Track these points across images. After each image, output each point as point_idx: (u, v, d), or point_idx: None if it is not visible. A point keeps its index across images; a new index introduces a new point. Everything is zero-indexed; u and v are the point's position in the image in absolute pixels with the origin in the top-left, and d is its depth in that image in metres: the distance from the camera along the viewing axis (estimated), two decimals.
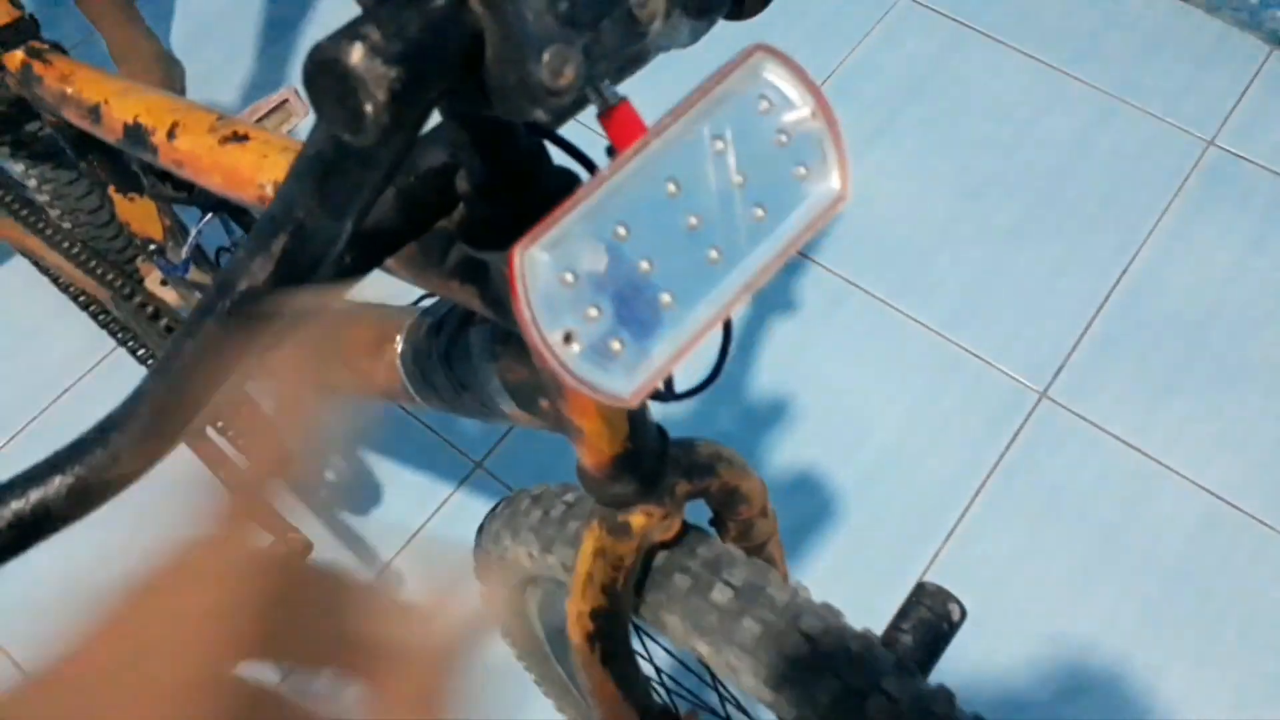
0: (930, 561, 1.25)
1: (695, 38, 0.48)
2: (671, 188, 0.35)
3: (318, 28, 1.72)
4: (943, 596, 0.89)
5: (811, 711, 0.56)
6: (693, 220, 0.36)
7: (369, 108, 0.27)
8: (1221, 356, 1.38)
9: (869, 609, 0.82)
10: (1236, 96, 1.59)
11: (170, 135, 0.65)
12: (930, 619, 0.89)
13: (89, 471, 0.42)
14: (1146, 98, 1.59)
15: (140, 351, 1.09)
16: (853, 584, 1.21)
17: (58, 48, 0.82)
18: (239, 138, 0.62)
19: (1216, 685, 1.17)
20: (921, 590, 0.90)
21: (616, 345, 0.35)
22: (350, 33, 0.27)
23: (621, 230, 0.35)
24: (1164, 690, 1.17)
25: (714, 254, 0.37)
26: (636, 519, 0.56)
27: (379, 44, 0.27)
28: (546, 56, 0.30)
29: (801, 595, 0.60)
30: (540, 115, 0.31)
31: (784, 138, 0.38)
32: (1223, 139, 1.55)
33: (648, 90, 0.45)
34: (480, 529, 0.76)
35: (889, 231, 1.49)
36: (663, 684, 0.81)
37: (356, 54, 0.27)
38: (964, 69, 1.64)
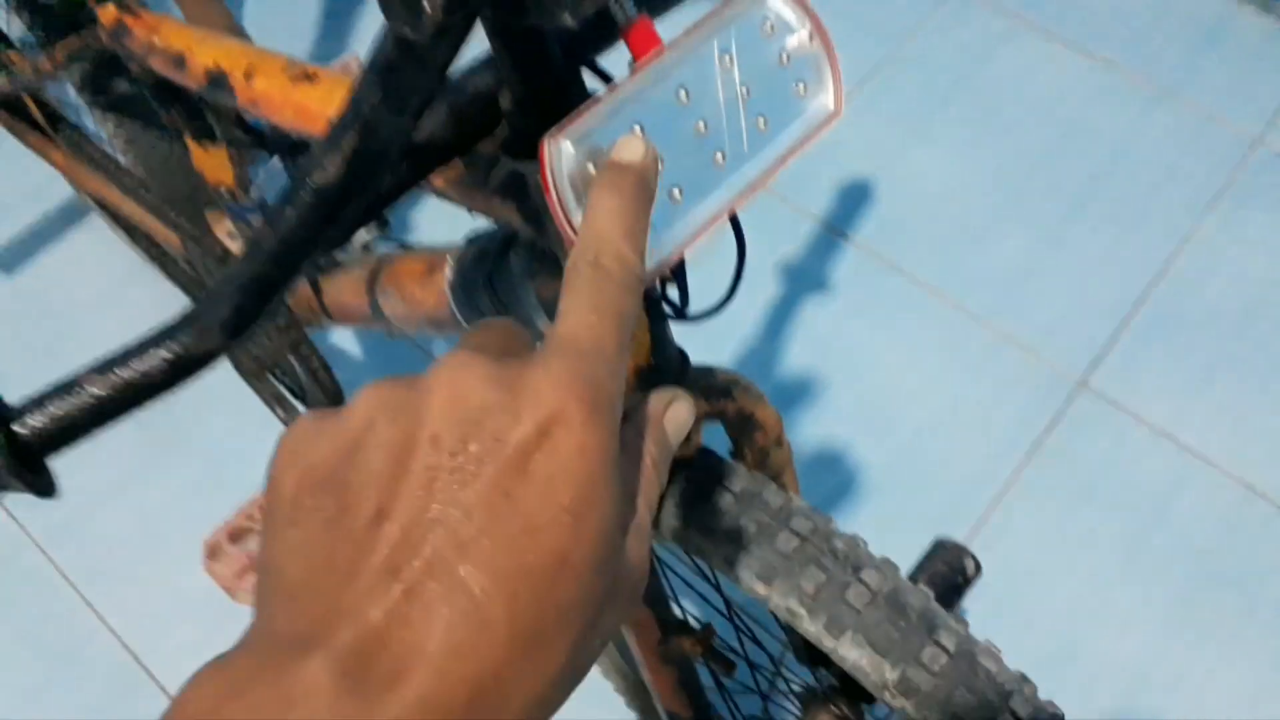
0: (965, 542, 1.28)
1: None
2: (683, 95, 0.41)
3: (375, 11, 1.80)
4: (958, 551, 0.93)
5: (798, 601, 0.61)
6: (701, 125, 0.41)
7: (427, 4, 0.33)
8: (1260, 351, 1.39)
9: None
10: None
11: (248, 77, 0.73)
12: (946, 572, 0.93)
13: (182, 346, 0.48)
14: (1195, 93, 1.61)
15: None
16: (894, 551, 1.25)
17: (143, 3, 0.90)
18: (309, 77, 0.68)
19: (1245, 674, 1.19)
20: (939, 545, 0.94)
21: None
22: None
23: (637, 129, 0.40)
24: (1192, 677, 1.19)
25: (719, 156, 0.42)
26: None
27: None
28: None
29: (795, 502, 0.65)
30: (568, 18, 0.37)
31: (785, 57, 0.43)
32: (1271, 137, 1.56)
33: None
34: None
35: (935, 217, 1.53)
36: (674, 596, 0.86)
37: None
38: (1014, 60, 1.67)
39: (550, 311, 0.61)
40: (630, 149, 0.37)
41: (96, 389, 0.47)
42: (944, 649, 0.68)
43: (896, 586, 0.66)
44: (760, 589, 0.63)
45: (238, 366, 1.13)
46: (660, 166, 0.41)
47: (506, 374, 0.28)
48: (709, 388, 0.64)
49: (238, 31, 1.69)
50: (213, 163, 0.98)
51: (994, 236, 1.51)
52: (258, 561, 0.28)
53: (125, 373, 0.48)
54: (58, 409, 0.46)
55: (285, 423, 1.05)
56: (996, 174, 1.56)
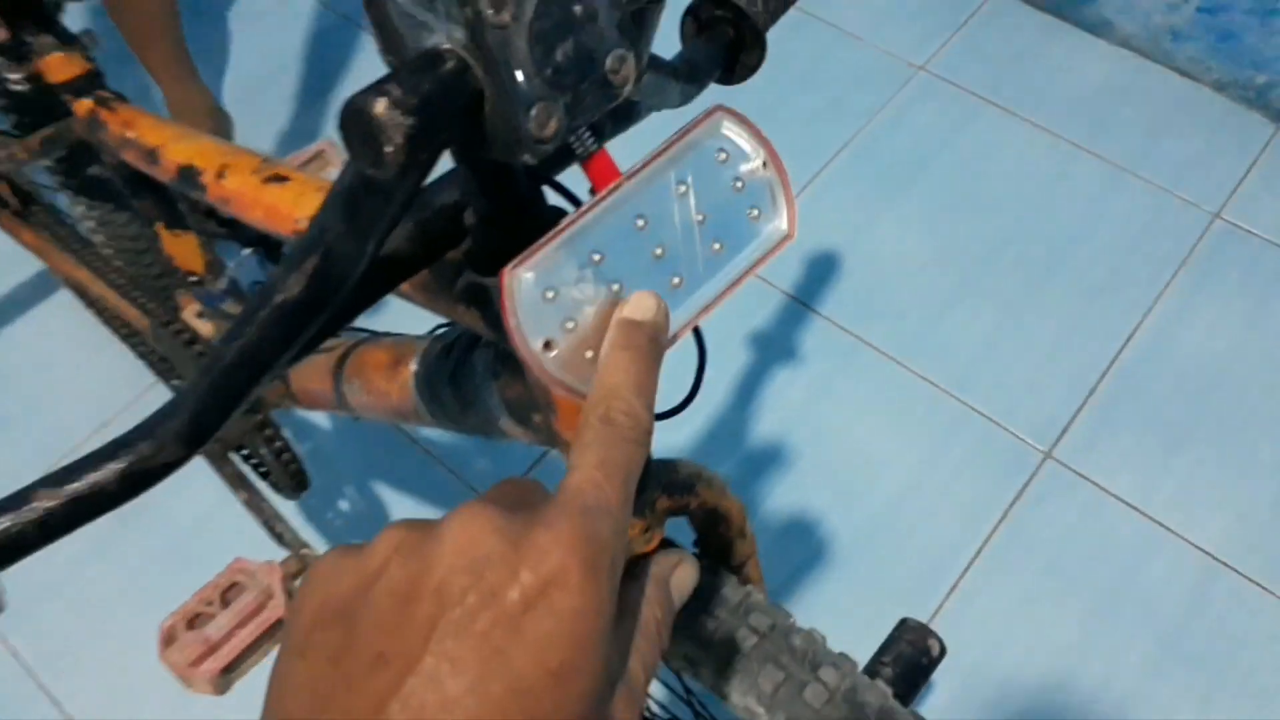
0: (933, 615, 1.28)
1: (686, 100, 0.55)
2: (640, 223, 0.42)
3: (352, 87, 1.82)
4: (923, 632, 0.93)
5: (756, 700, 0.62)
6: (658, 250, 0.42)
7: (388, 149, 0.34)
8: (1223, 422, 1.41)
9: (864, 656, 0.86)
10: (1243, 172, 1.65)
11: (219, 175, 0.74)
12: (910, 653, 0.94)
13: (137, 459, 0.48)
14: (1155, 171, 1.65)
15: (174, 380, 1.17)
16: (855, 635, 1.25)
17: (121, 97, 0.91)
18: (279, 179, 0.69)
19: None
20: (903, 626, 0.94)
21: (589, 354, 0.41)
22: (376, 89, 0.34)
23: (596, 256, 0.41)
24: None
25: (676, 280, 0.43)
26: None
27: (399, 98, 0.34)
28: (534, 112, 0.37)
29: (754, 597, 0.66)
30: (528, 159, 0.38)
31: (739, 184, 0.44)
32: (1228, 212, 1.60)
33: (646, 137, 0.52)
34: None
35: (901, 292, 1.55)
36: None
37: (380, 106, 0.34)
38: (977, 139, 1.71)
39: (513, 412, 0.62)
40: (642, 306, 0.39)
41: (46, 503, 0.47)
42: None
43: (855, 684, 0.67)
44: (720, 687, 0.64)
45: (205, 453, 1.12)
46: (619, 290, 0.42)
47: (513, 527, 0.29)
48: (672, 483, 0.65)
49: (216, 112, 1.71)
50: (183, 249, 0.99)
51: (960, 310, 1.53)
52: (270, 681, 0.29)
53: (77, 485, 0.48)
54: (4, 524, 0.46)
55: (245, 504, 1.04)
56: (961, 249, 1.59)
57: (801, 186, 1.68)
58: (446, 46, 0.36)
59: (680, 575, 0.37)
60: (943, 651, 0.95)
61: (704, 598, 0.69)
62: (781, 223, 0.46)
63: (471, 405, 0.65)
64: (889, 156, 1.70)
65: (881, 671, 0.95)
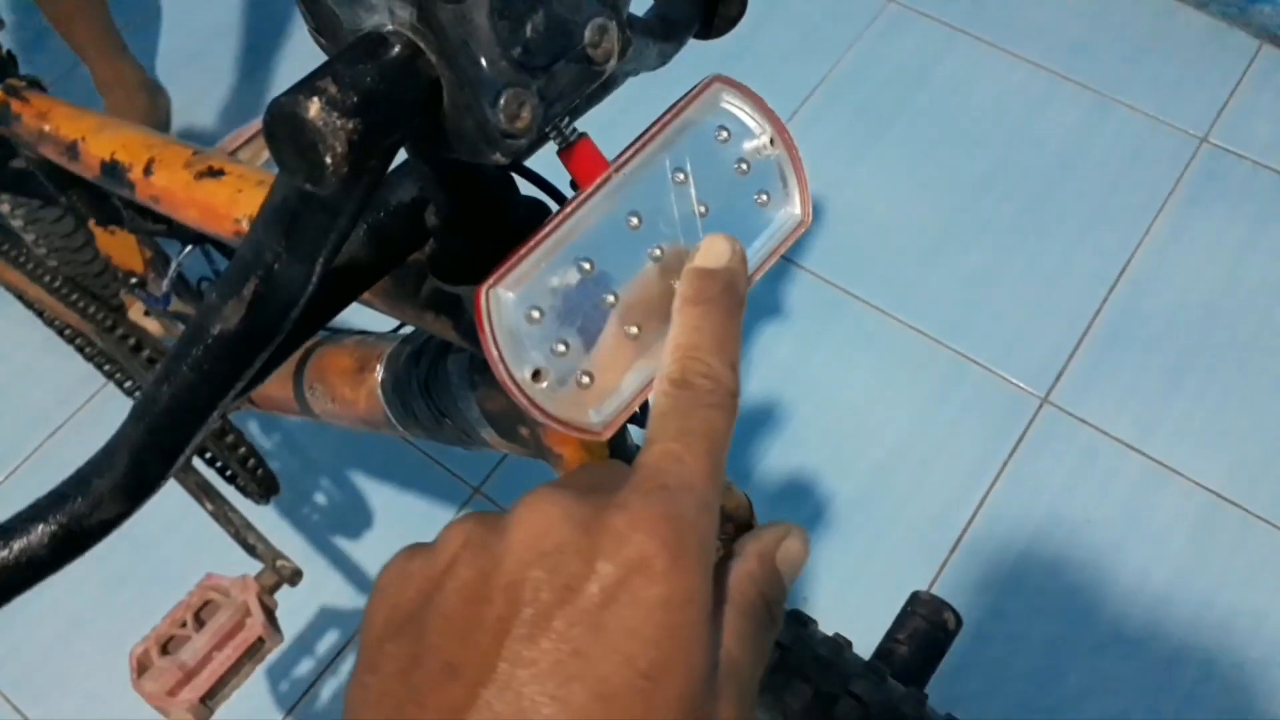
0: (938, 571, 1.25)
1: (664, 60, 0.48)
2: (634, 221, 0.36)
3: (298, 54, 1.72)
4: (937, 605, 0.89)
5: (784, 716, 0.57)
6: (656, 252, 0.36)
7: (328, 159, 0.28)
8: (1221, 353, 1.38)
9: (877, 624, 0.82)
10: (1228, 92, 1.59)
11: (146, 171, 0.66)
12: (926, 628, 0.90)
13: (71, 519, 0.42)
14: (1139, 96, 1.59)
15: (127, 384, 1.10)
16: (859, 598, 1.21)
17: (36, 84, 0.82)
18: (214, 173, 0.62)
19: (1227, 686, 1.17)
20: (916, 600, 0.90)
21: (585, 379, 0.35)
22: (307, 87, 0.27)
23: (586, 265, 0.35)
24: (1173, 692, 1.16)
25: (678, 285, 0.37)
26: None
27: (335, 97, 0.27)
28: (502, 100, 0.30)
29: None
30: (498, 158, 0.31)
31: (744, 166, 0.38)
32: (1216, 135, 1.55)
33: (620, 108, 0.45)
34: None
35: (885, 239, 1.49)
36: None
37: (314, 108, 0.27)
38: (955, 72, 1.64)
39: (495, 423, 0.55)
40: (715, 251, 0.34)
41: None
42: None
43: (889, 695, 0.62)
44: None
45: None
46: (614, 301, 0.36)
47: (586, 511, 0.26)
48: None
49: (151, 86, 1.61)
50: (119, 247, 0.91)
51: (946, 255, 1.48)
52: (345, 702, 0.27)
53: (2, 555, 0.42)
54: None
55: (213, 515, 0.98)
56: (944, 190, 1.54)
57: None
58: (390, 28, 0.29)
59: (789, 549, 0.32)
60: (959, 624, 0.91)
61: (834, 669, 0.63)
62: (794, 207, 0.40)
63: (448, 416, 0.58)
64: (864, 95, 1.63)
65: (897, 650, 0.91)
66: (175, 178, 0.64)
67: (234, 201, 0.61)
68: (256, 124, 1.19)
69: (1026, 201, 1.52)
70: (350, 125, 0.27)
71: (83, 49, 1.54)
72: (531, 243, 0.34)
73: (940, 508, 1.28)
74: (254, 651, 0.91)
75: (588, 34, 0.32)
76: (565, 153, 0.35)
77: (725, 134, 0.38)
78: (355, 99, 0.27)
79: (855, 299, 1.45)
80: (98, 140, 0.72)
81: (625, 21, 0.34)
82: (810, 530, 1.28)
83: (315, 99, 0.27)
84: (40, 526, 0.42)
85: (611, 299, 0.36)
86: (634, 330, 0.36)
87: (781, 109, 1.66)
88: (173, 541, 1.28)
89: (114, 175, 0.69)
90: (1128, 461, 1.30)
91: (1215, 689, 1.16)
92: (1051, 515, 1.28)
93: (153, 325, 1.02)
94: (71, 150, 0.73)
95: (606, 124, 0.47)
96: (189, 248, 0.79)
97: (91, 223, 0.90)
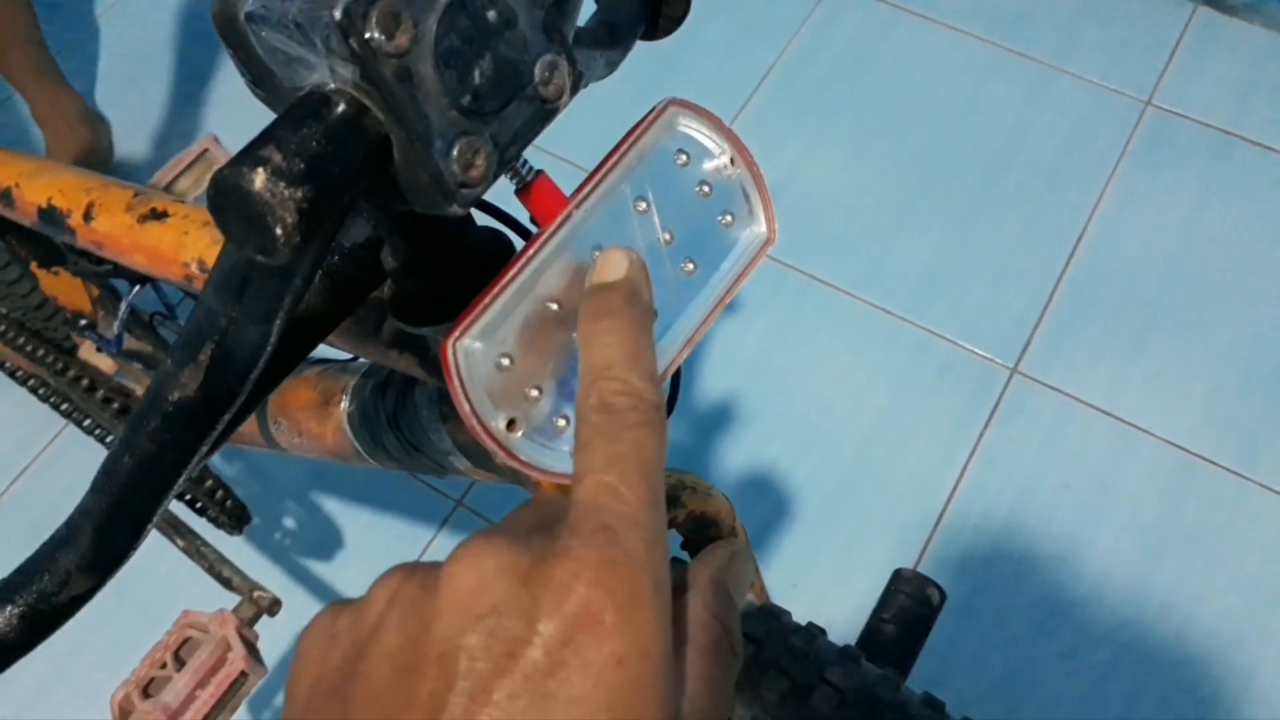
0: (922, 549, 1.25)
1: (611, 68, 0.47)
2: (598, 255, 0.35)
3: (234, 74, 1.69)
4: (920, 582, 0.90)
5: (762, 710, 0.57)
6: None
7: (278, 231, 0.27)
8: (1181, 310, 1.39)
9: (864, 606, 0.82)
10: (1168, 55, 1.61)
11: (87, 217, 0.64)
12: (910, 606, 0.90)
13: (39, 598, 0.41)
14: (1081, 64, 1.60)
15: (86, 423, 1.07)
16: (845, 583, 1.21)
17: None
18: (158, 215, 0.60)
19: (1208, 637, 1.18)
20: (899, 578, 0.90)
21: (561, 422, 0.34)
22: (250, 157, 0.26)
23: (554, 306, 0.34)
24: (1160, 649, 1.18)
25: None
26: None
27: (281, 166, 0.26)
28: (455, 151, 0.29)
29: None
30: (455, 209, 0.30)
31: (706, 188, 0.37)
32: (1160, 98, 1.57)
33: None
34: None
35: (844, 221, 1.49)
36: None
37: (259, 180, 0.26)
38: (900, 51, 1.65)
39: (469, 454, 0.54)
40: (612, 265, 0.32)
41: None
42: None
43: (863, 680, 0.62)
44: None
45: None
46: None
47: (524, 563, 0.24)
48: None
49: (91, 117, 1.57)
50: (65, 288, 0.89)
51: (904, 232, 1.48)
52: None
53: None
54: None
55: (185, 551, 0.96)
56: (899, 169, 1.54)
57: (728, 121, 1.61)
58: (332, 87, 0.28)
59: (737, 571, 0.30)
60: (943, 598, 0.92)
61: (808, 658, 0.63)
62: (760, 226, 0.39)
63: (419, 449, 0.57)
64: (812, 80, 1.63)
65: (884, 629, 0.91)
66: (117, 222, 0.62)
67: (180, 245, 0.59)
68: (195, 148, 1.16)
69: (980, 174, 1.52)
70: (299, 194, 0.26)
71: (18, 81, 1.49)
72: (495, 288, 0.33)
73: (919, 486, 1.29)
74: (238, 686, 0.90)
75: (537, 73, 0.31)
76: (523, 192, 0.34)
77: (685, 157, 0.37)
78: (302, 166, 0.26)
79: (818, 282, 1.45)
80: (32, 186, 0.69)
81: (574, 56, 0.33)
82: (791, 518, 1.28)
83: (260, 169, 0.26)
84: (8, 609, 0.41)
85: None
86: None
87: (731, 100, 1.66)
88: (146, 581, 1.26)
89: (53, 221, 0.67)
90: (1100, 425, 1.31)
91: (1198, 641, 1.18)
92: (1029, 485, 1.29)
93: (106, 363, 1.00)
94: (5, 198, 0.71)
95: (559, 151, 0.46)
96: (137, 288, 0.77)
97: (34, 265, 0.87)
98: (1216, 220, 1.46)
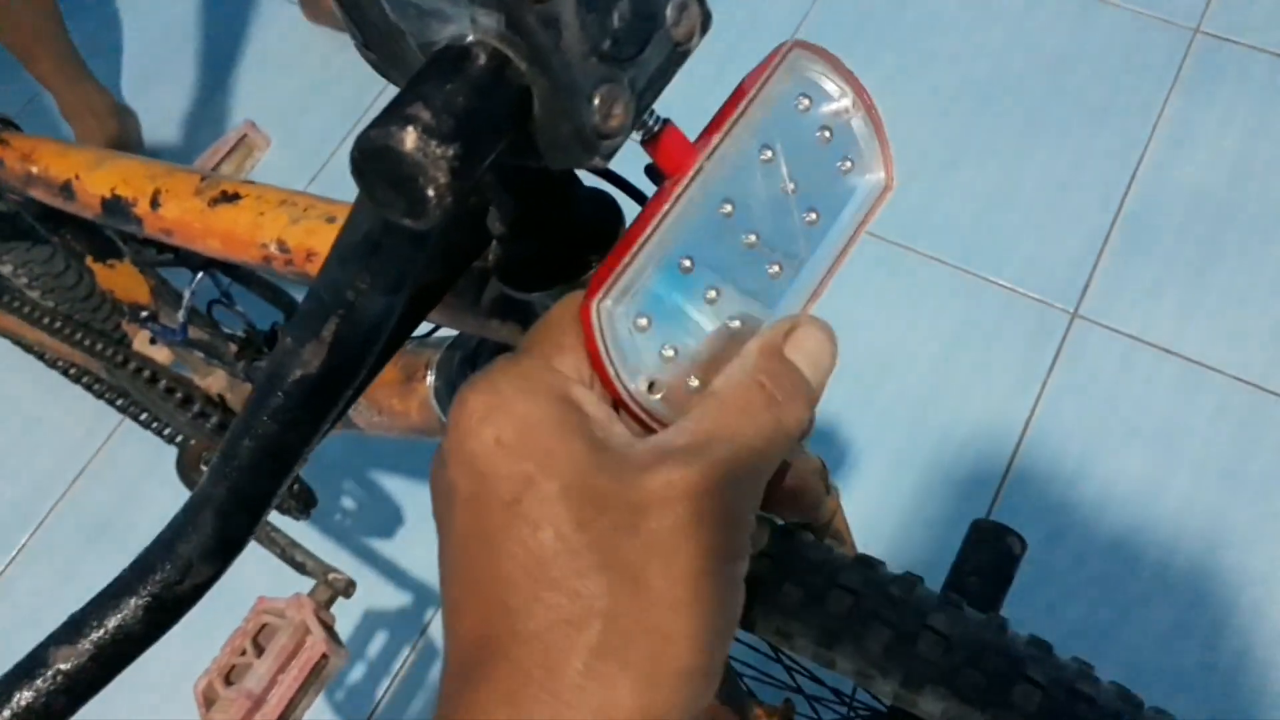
0: (993, 499, 1.24)
1: None
2: (727, 208, 0.33)
3: (262, 57, 1.67)
4: (999, 533, 0.89)
5: (867, 663, 0.56)
6: (751, 238, 0.34)
7: (430, 191, 0.25)
8: (1242, 243, 1.36)
9: (941, 559, 0.81)
10: None
11: (154, 204, 0.63)
12: (991, 557, 0.89)
13: (161, 588, 0.40)
14: None
15: (143, 416, 1.07)
16: (921, 536, 1.20)
17: (9, 124, 0.79)
18: (229, 197, 0.59)
19: None
20: (977, 530, 0.89)
21: (694, 382, 0.33)
22: (399, 116, 0.25)
23: (686, 263, 0.33)
24: (1246, 591, 1.16)
25: (774, 269, 0.35)
26: None
27: (430, 124, 0.25)
28: (596, 100, 0.28)
29: (837, 554, 0.60)
30: (597, 161, 0.29)
31: (826, 134, 0.36)
32: (1208, 25, 1.52)
33: None
34: None
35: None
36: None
37: (410, 139, 0.25)
38: None
39: None
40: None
41: (66, 663, 0.39)
42: (1036, 684, 0.62)
43: (967, 625, 0.61)
44: (823, 656, 0.57)
45: (191, 487, 1.03)
46: (715, 296, 0.34)
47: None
48: None
49: (120, 111, 1.56)
50: (122, 280, 0.88)
51: (952, 176, 1.45)
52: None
53: (98, 635, 0.40)
54: (27, 698, 0.38)
55: (257, 539, 0.96)
56: (942, 108, 1.50)
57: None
58: (471, 39, 0.26)
59: (802, 339, 0.33)
60: (1024, 547, 0.91)
61: (784, 563, 0.62)
62: (879, 172, 0.38)
63: None
64: (850, 21, 1.59)
65: (967, 582, 0.90)
66: (187, 207, 0.61)
67: (257, 226, 0.58)
68: (234, 134, 1.15)
69: (1026, 112, 1.49)
70: (450, 152, 0.25)
71: (45, 78, 1.49)
72: (630, 246, 0.31)
73: (986, 436, 1.27)
74: (319, 670, 0.90)
75: (669, 13, 0.30)
76: (650, 143, 0.32)
77: (806, 101, 0.36)
78: (452, 123, 0.25)
79: (868, 235, 1.42)
80: (94, 177, 0.68)
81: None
82: (860, 476, 1.27)
83: (410, 128, 0.25)
84: (131, 601, 0.40)
85: (714, 294, 0.34)
86: (736, 325, 0.34)
87: (767, 43, 1.62)
88: None
89: (118, 212, 0.66)
90: (1166, 365, 1.29)
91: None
92: (1098, 429, 1.27)
93: (161, 353, 0.99)
94: (66, 190, 0.70)
95: None
96: (200, 275, 0.76)
97: (89, 259, 0.86)
98: (1272, 147, 1.42)
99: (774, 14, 1.60)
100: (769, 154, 0.34)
